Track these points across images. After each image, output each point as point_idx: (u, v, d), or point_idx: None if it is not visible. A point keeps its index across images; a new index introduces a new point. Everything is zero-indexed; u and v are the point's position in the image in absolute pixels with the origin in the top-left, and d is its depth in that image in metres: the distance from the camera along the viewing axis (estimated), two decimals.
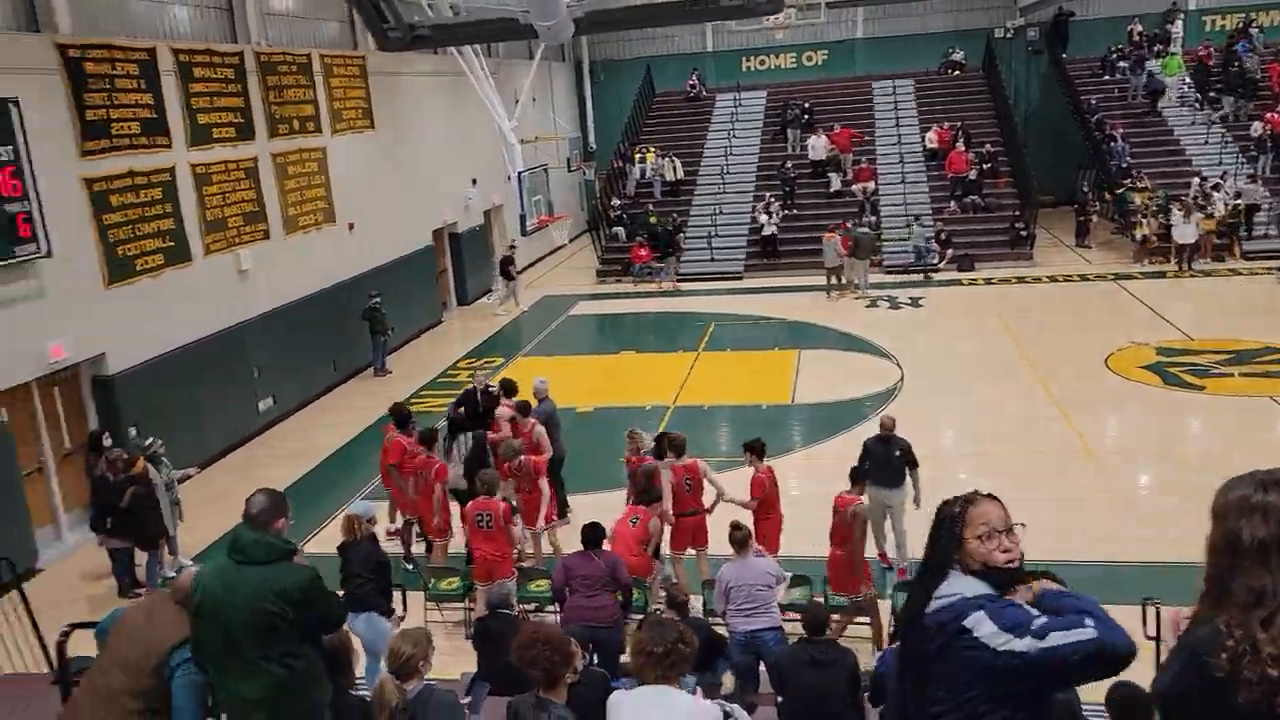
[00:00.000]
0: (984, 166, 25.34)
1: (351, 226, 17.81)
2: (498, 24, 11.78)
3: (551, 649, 3.84)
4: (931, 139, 26.48)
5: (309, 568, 4.12)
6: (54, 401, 11.65)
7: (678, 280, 23.97)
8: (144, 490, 9.94)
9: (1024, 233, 23.52)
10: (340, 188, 17.51)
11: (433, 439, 9.80)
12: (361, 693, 4.40)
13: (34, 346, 10.96)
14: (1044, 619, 2.47)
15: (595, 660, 6.51)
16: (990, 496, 2.73)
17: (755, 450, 8.91)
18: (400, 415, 10.45)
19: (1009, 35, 30.21)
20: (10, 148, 10.39)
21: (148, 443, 10.66)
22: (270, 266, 15.36)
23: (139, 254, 12.62)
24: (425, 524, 9.78)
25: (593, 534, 7.44)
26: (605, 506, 9.66)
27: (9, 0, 11.19)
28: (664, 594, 7.86)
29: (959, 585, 2.60)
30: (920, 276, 22.67)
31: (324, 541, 11.17)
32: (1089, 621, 2.41)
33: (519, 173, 21.57)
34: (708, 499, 9.13)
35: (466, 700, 4.83)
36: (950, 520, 2.68)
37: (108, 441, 10.76)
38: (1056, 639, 2.40)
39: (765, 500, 8.87)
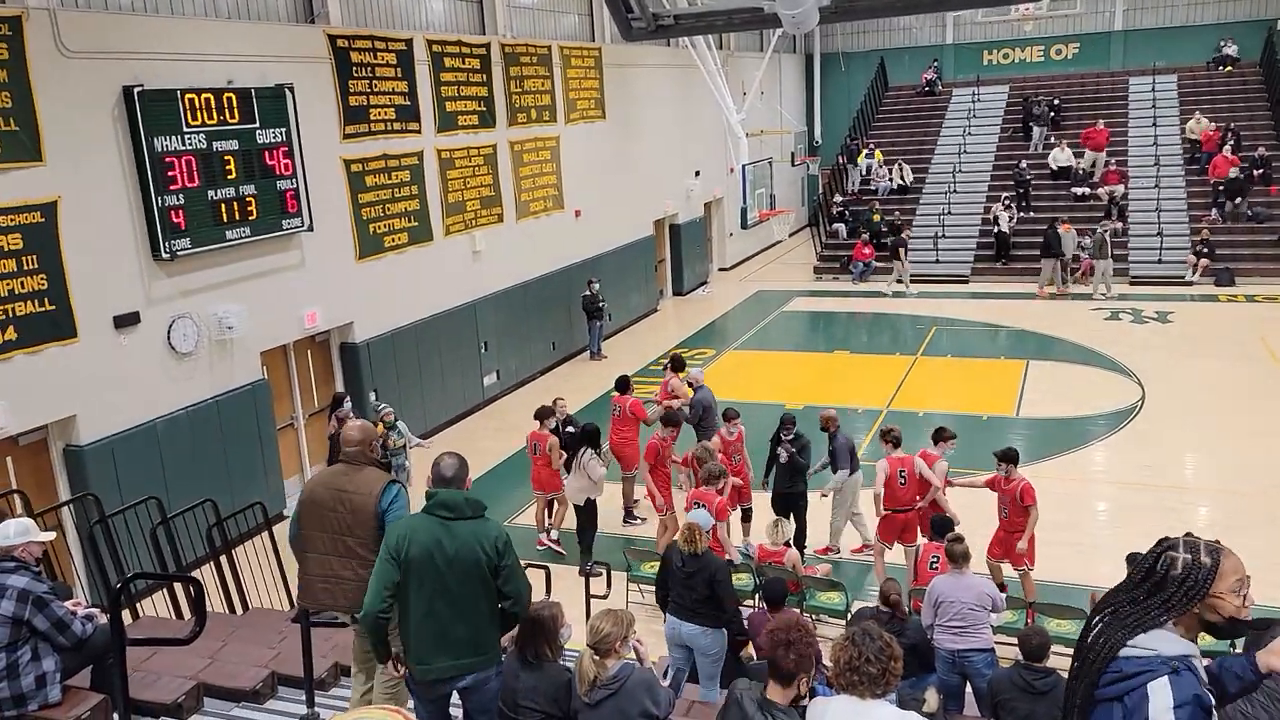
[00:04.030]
0: (1254, 172, 22.90)
1: (578, 214, 18.39)
2: (742, 13, 11.67)
3: (808, 643, 3.70)
4: (1194, 129, 24.11)
5: (500, 524, 4.51)
6: (306, 364, 12.74)
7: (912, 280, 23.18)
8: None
9: None
10: (570, 176, 18.11)
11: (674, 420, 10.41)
12: (568, 664, 4.51)
13: (292, 313, 12.02)
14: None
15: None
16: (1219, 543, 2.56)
17: (1009, 459, 8.72)
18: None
19: None
20: (284, 129, 11.43)
21: (380, 407, 11.43)
22: (502, 249, 16.11)
23: (387, 232, 13.57)
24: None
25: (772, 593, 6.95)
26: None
27: None
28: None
29: (1159, 640, 2.46)
30: (1169, 289, 20.84)
31: (532, 515, 11.63)
32: None
33: (744, 165, 21.51)
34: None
35: (666, 683, 4.85)
36: (1203, 573, 2.45)
37: (346, 405, 11.61)
38: None
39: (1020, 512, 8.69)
